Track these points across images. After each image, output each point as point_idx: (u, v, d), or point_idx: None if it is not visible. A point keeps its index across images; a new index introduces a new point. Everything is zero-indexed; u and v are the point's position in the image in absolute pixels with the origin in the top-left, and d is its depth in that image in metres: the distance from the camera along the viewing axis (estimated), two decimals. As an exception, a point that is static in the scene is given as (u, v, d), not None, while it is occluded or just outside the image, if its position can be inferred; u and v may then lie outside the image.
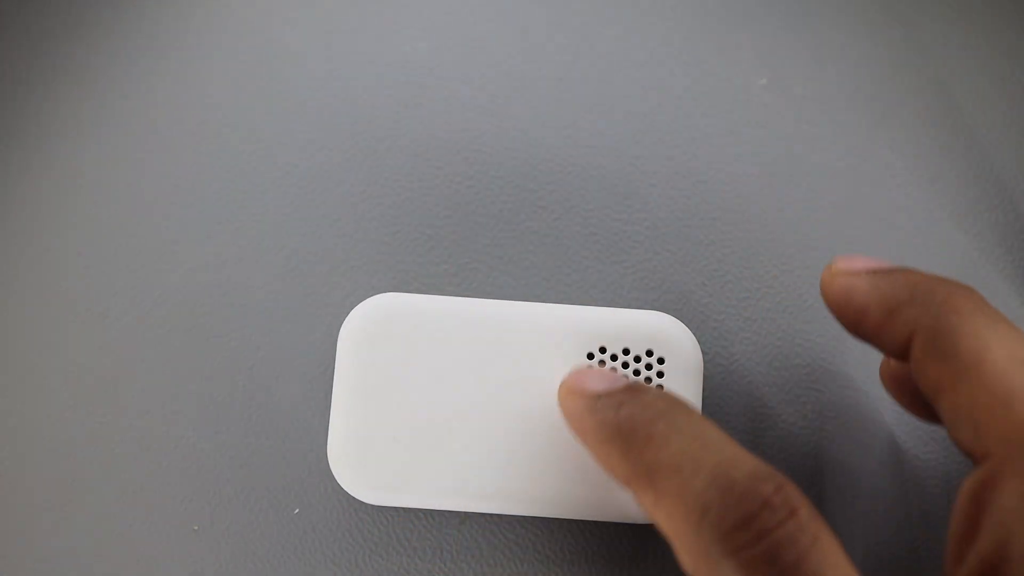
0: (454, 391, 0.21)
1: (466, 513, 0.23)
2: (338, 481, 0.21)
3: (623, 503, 0.20)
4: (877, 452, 0.23)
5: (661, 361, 0.21)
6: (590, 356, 0.21)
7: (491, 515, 0.23)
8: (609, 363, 0.21)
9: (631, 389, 0.18)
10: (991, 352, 0.15)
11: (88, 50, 0.26)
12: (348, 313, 0.22)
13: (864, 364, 0.24)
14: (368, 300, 0.22)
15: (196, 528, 0.23)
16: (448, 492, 0.21)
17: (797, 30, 0.26)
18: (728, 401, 0.24)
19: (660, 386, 0.21)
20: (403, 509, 0.23)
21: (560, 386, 0.19)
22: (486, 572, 0.23)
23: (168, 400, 0.24)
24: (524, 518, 0.23)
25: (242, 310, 0.24)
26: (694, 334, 0.23)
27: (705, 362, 0.24)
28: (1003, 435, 0.15)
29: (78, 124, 0.26)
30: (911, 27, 0.26)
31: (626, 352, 0.21)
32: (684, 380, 0.21)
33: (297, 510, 0.23)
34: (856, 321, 0.18)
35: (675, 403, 0.17)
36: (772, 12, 0.26)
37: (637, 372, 0.21)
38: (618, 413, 0.17)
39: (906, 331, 0.17)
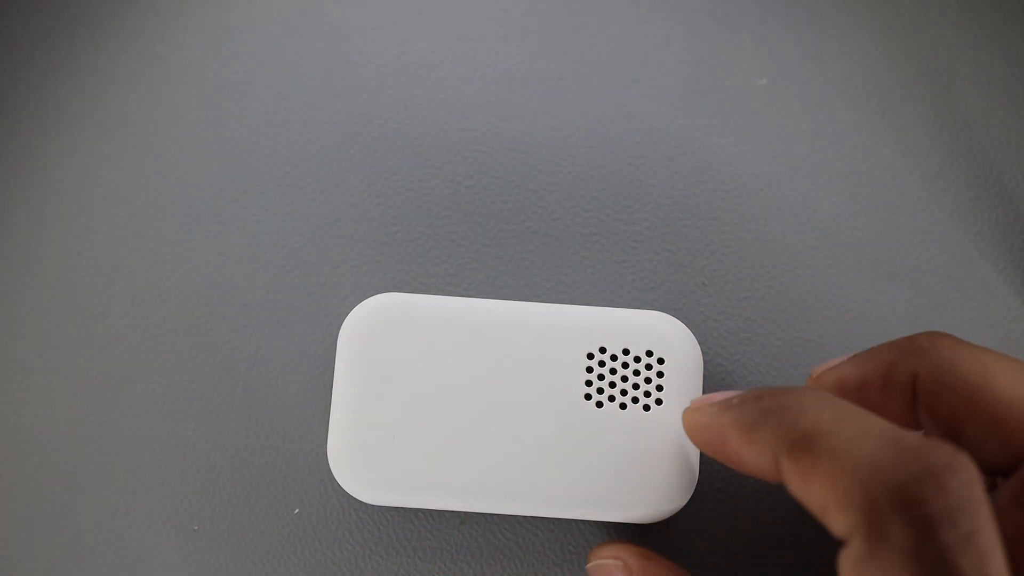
0: (454, 391, 0.21)
1: (466, 513, 0.23)
2: (338, 481, 0.21)
3: (626, 502, 0.20)
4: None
5: (661, 361, 0.21)
6: (590, 356, 0.21)
7: (491, 516, 0.23)
8: (609, 363, 0.21)
9: (763, 390, 0.17)
10: (995, 370, 0.16)
11: (88, 50, 0.26)
12: (348, 313, 0.22)
13: (864, 364, 0.24)
14: (368, 300, 0.22)
15: (196, 528, 0.23)
16: (449, 492, 0.21)
17: (797, 30, 0.26)
18: (728, 401, 0.23)
19: (660, 387, 0.21)
20: (403, 509, 0.23)
21: (683, 413, 0.19)
22: (486, 572, 0.23)
23: (168, 400, 0.24)
24: (524, 518, 0.23)
25: (242, 310, 0.24)
26: (694, 334, 0.23)
27: (705, 362, 0.24)
28: None
29: (78, 124, 0.26)
30: (911, 27, 0.26)
31: (626, 352, 0.21)
32: (684, 381, 0.21)
33: (297, 510, 0.23)
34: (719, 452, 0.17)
35: (812, 387, 0.17)
36: (772, 12, 0.26)
37: (637, 372, 0.21)
38: (759, 403, 0.16)
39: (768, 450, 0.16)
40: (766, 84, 0.26)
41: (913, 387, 0.17)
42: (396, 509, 0.23)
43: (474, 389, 0.21)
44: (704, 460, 0.22)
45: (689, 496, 0.21)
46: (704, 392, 0.22)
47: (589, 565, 0.21)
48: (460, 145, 0.25)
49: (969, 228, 0.25)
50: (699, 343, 0.24)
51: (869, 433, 0.14)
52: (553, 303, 0.23)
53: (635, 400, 0.21)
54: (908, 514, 0.13)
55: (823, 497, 0.14)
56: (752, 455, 0.16)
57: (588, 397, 0.21)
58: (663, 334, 0.21)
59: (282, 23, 0.26)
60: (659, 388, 0.21)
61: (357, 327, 0.21)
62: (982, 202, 0.25)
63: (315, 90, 0.26)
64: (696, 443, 0.18)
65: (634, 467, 0.20)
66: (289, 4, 0.26)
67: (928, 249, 0.25)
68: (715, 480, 0.23)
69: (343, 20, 0.26)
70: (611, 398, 0.21)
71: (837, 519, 0.14)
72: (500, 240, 0.25)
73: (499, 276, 0.24)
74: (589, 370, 0.21)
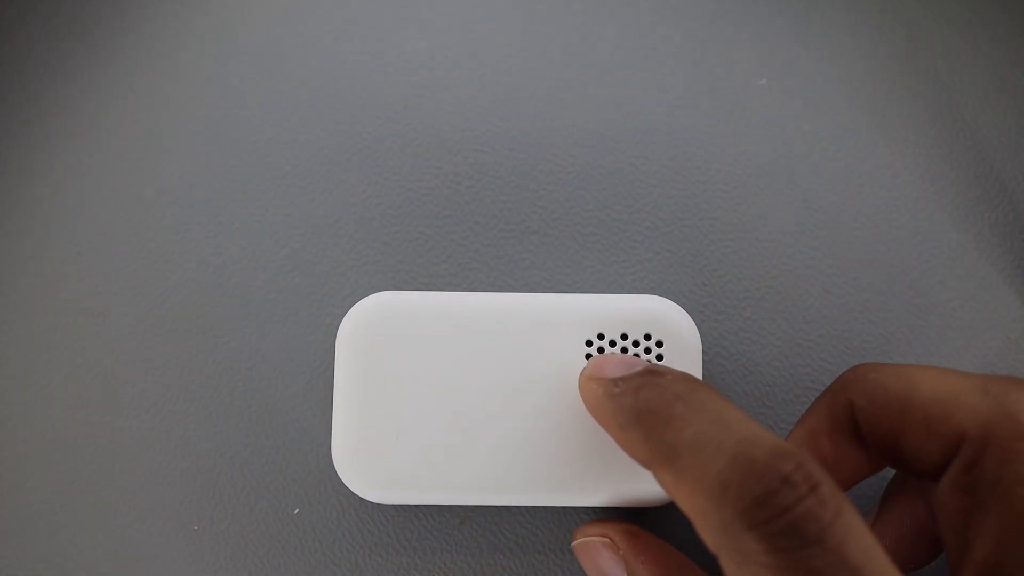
0: (454, 385, 0.21)
1: (467, 512, 0.23)
2: (344, 483, 0.21)
3: (629, 488, 0.21)
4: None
5: (660, 344, 0.21)
6: (588, 343, 0.21)
7: (491, 514, 0.23)
8: (608, 349, 0.21)
9: (649, 372, 0.18)
10: (917, 378, 0.17)
11: (88, 50, 0.26)
12: (347, 312, 0.22)
13: (864, 364, 0.24)
14: (365, 299, 0.22)
15: (196, 528, 0.23)
16: (456, 487, 0.21)
17: (797, 30, 0.26)
18: (728, 401, 0.24)
19: None
20: (403, 508, 0.23)
21: (580, 374, 0.20)
22: (486, 571, 0.23)
23: (168, 400, 0.24)
24: (524, 516, 0.23)
25: (242, 310, 0.24)
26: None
27: (705, 362, 0.24)
28: (958, 430, 0.16)
29: (78, 124, 0.26)
30: (911, 27, 0.26)
31: (624, 337, 0.21)
32: (683, 362, 0.21)
33: (297, 510, 0.23)
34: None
35: (694, 384, 0.17)
36: (772, 12, 0.26)
37: (636, 356, 0.21)
38: (637, 397, 0.17)
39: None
40: (766, 84, 0.26)
41: (854, 419, 0.18)
42: (396, 508, 0.23)
43: (474, 382, 0.21)
44: None
45: None
46: (704, 376, 0.22)
47: (575, 543, 0.21)
48: (460, 145, 0.25)
49: (969, 228, 0.25)
50: (700, 343, 0.24)
51: (722, 449, 0.15)
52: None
53: None
54: (757, 532, 0.14)
55: (688, 512, 0.15)
56: (627, 451, 0.17)
57: None
58: (660, 317, 0.21)
59: (282, 23, 0.26)
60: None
61: (355, 326, 0.21)
62: (982, 202, 0.25)
63: (315, 90, 0.26)
64: (588, 410, 0.20)
65: None
66: (289, 4, 0.26)
67: (928, 249, 0.25)
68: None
69: (343, 20, 0.26)
70: None
71: (703, 536, 0.15)
72: (500, 240, 0.25)
73: (498, 277, 0.24)
74: (589, 357, 0.21)
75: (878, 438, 0.18)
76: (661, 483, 0.16)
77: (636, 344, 0.21)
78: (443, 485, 0.21)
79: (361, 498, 0.23)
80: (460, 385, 0.21)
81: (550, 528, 0.23)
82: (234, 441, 0.24)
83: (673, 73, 0.26)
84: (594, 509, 0.23)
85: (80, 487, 0.23)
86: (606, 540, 0.20)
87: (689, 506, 0.15)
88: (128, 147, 0.25)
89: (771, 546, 0.14)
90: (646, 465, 0.17)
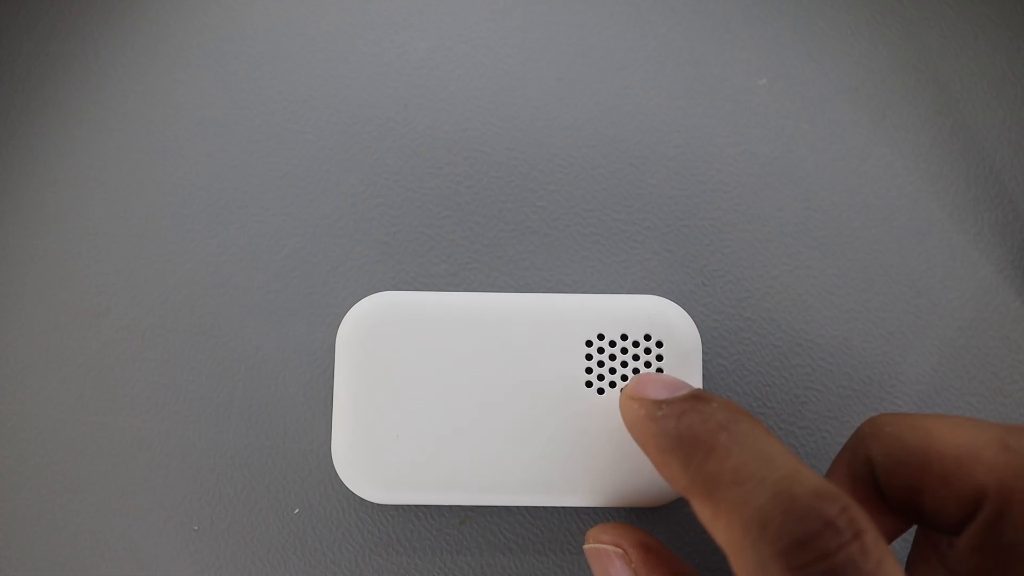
0: (454, 384, 0.21)
1: (466, 513, 0.23)
2: (344, 483, 0.21)
3: (629, 489, 0.20)
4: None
5: (660, 345, 0.21)
6: (589, 343, 0.21)
7: (490, 515, 0.23)
8: (608, 349, 0.21)
9: (693, 397, 0.18)
10: (935, 431, 0.17)
11: (89, 51, 0.26)
12: (347, 313, 0.22)
13: (865, 365, 0.24)
14: (365, 299, 0.22)
15: (196, 528, 0.23)
16: (455, 487, 0.21)
17: (797, 30, 0.26)
18: (728, 401, 0.23)
19: (660, 370, 0.21)
20: (403, 508, 0.23)
21: (622, 392, 0.19)
22: (486, 571, 0.23)
23: (168, 400, 0.24)
24: (524, 515, 0.23)
25: (242, 310, 0.24)
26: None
27: (706, 362, 0.24)
28: (979, 487, 0.16)
29: (78, 124, 0.26)
30: (911, 27, 0.26)
31: (624, 338, 0.21)
32: (683, 363, 0.21)
33: (297, 510, 0.23)
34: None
35: (738, 413, 0.17)
36: (772, 12, 0.26)
37: (636, 357, 0.21)
38: (679, 422, 0.17)
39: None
40: (766, 84, 0.26)
41: (874, 476, 0.18)
42: (396, 508, 0.23)
43: (475, 382, 0.21)
44: None
45: None
46: (704, 373, 0.22)
47: (587, 547, 0.20)
48: (460, 145, 0.25)
49: (969, 228, 0.25)
50: (700, 343, 0.24)
51: (764, 484, 0.15)
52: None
53: None
54: (796, 575, 0.13)
55: (724, 545, 0.15)
56: (664, 475, 0.17)
57: (589, 384, 0.21)
58: (660, 317, 0.21)
59: (282, 23, 0.26)
60: (659, 371, 0.21)
61: (355, 326, 0.21)
62: (982, 202, 0.25)
63: (315, 90, 0.26)
64: (627, 429, 0.19)
65: (637, 451, 0.20)
66: (289, 4, 0.26)
67: (928, 249, 0.25)
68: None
69: (343, 20, 0.26)
70: (612, 384, 0.21)
71: (737, 571, 0.15)
72: (500, 240, 0.25)
73: (498, 276, 0.24)
74: (589, 357, 0.21)
75: (898, 494, 0.17)
76: (699, 513, 0.16)
77: (636, 344, 0.21)
78: (442, 485, 0.21)
79: (361, 498, 0.23)
80: (460, 385, 0.21)
81: (550, 528, 0.23)
82: (234, 441, 0.24)
83: (673, 73, 0.26)
84: (593, 508, 0.23)
85: (80, 487, 0.23)
86: (619, 551, 0.20)
87: (726, 539, 0.15)
88: (128, 147, 0.25)
89: None
90: (684, 493, 0.16)
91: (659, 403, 0.18)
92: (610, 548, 0.20)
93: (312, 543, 0.23)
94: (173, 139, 0.25)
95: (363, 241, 0.25)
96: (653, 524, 0.23)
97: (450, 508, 0.23)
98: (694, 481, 0.16)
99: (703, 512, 0.16)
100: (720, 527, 0.15)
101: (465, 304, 0.21)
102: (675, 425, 0.17)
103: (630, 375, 0.21)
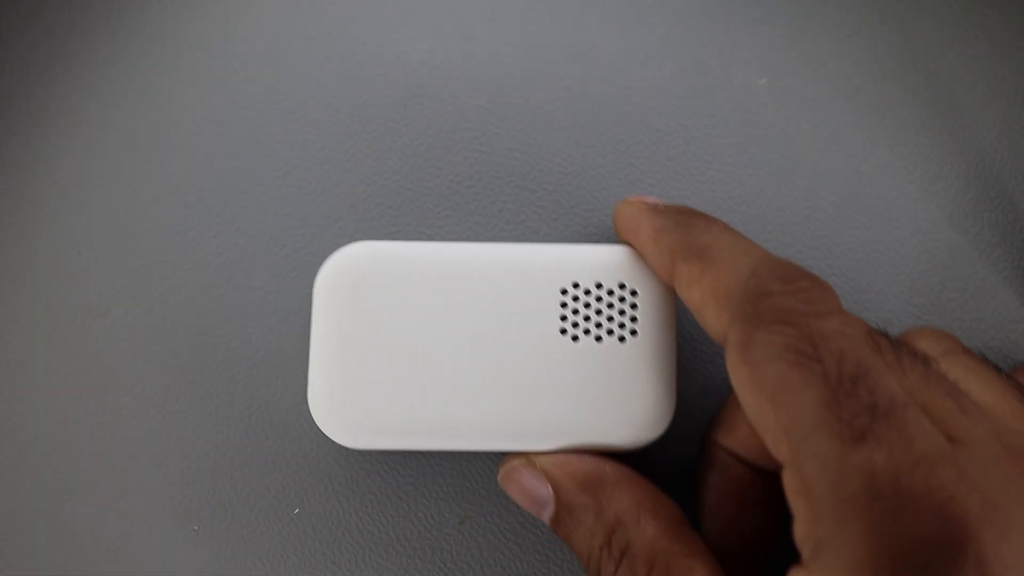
0: (430, 332, 0.21)
1: (466, 513, 0.23)
2: (321, 429, 0.21)
3: (605, 431, 0.21)
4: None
5: (634, 293, 0.21)
6: (563, 292, 0.21)
7: (491, 515, 0.23)
8: (583, 298, 0.21)
9: (688, 208, 0.21)
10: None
11: (89, 50, 0.26)
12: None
13: (864, 364, 0.24)
14: (342, 249, 0.22)
15: (196, 528, 0.23)
16: (430, 432, 0.21)
17: (797, 30, 0.26)
18: (728, 401, 0.23)
19: (634, 318, 0.21)
20: (403, 508, 0.23)
21: (617, 205, 0.22)
22: (486, 571, 0.23)
23: (168, 400, 0.24)
24: (524, 515, 0.23)
25: (242, 310, 0.24)
26: (696, 332, 0.23)
27: (706, 362, 0.24)
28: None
29: (78, 124, 0.26)
30: (911, 27, 0.26)
31: (599, 286, 0.21)
32: (657, 312, 0.21)
33: (297, 510, 0.23)
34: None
35: (718, 221, 0.20)
36: (772, 12, 0.26)
37: (611, 305, 0.21)
38: (680, 214, 0.20)
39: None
40: (766, 84, 0.26)
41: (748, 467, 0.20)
42: (396, 509, 0.23)
43: (450, 330, 0.21)
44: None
45: (667, 424, 0.21)
46: (676, 343, 0.23)
47: (499, 476, 0.21)
48: (460, 145, 0.25)
49: (969, 228, 0.25)
50: (700, 343, 0.24)
51: (752, 252, 0.18)
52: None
53: (610, 332, 0.21)
54: (777, 299, 0.16)
55: (704, 298, 0.18)
56: (654, 253, 0.20)
57: (564, 332, 0.21)
58: (635, 267, 0.21)
59: (282, 23, 0.26)
60: (633, 320, 0.21)
61: (331, 275, 0.21)
62: (982, 202, 0.25)
63: (315, 90, 0.26)
64: (616, 228, 0.22)
65: (612, 397, 0.21)
66: (289, 4, 0.26)
67: (928, 249, 0.25)
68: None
69: (343, 20, 0.26)
70: (586, 331, 0.21)
71: (715, 314, 0.17)
72: (497, 236, 0.25)
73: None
74: (564, 305, 0.21)
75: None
76: (681, 274, 0.19)
77: (611, 293, 0.21)
78: (418, 431, 0.21)
79: (361, 498, 0.23)
80: (436, 333, 0.21)
81: (549, 530, 0.23)
82: (234, 441, 0.24)
83: (673, 73, 0.26)
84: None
85: (80, 487, 0.23)
86: (523, 460, 0.20)
87: (710, 288, 0.17)
88: (128, 147, 0.25)
89: (787, 307, 0.16)
90: (671, 260, 0.19)
91: (659, 203, 0.21)
92: (515, 462, 0.21)
93: (312, 543, 0.23)
94: (173, 139, 0.25)
95: (364, 240, 0.25)
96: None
97: (450, 508, 0.23)
98: (688, 245, 0.19)
99: (689, 270, 0.18)
100: (706, 280, 0.18)
101: (440, 253, 0.22)
102: (674, 216, 0.20)
103: (604, 322, 0.21)
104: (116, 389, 0.24)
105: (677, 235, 0.19)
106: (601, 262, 0.21)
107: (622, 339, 0.21)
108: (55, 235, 0.25)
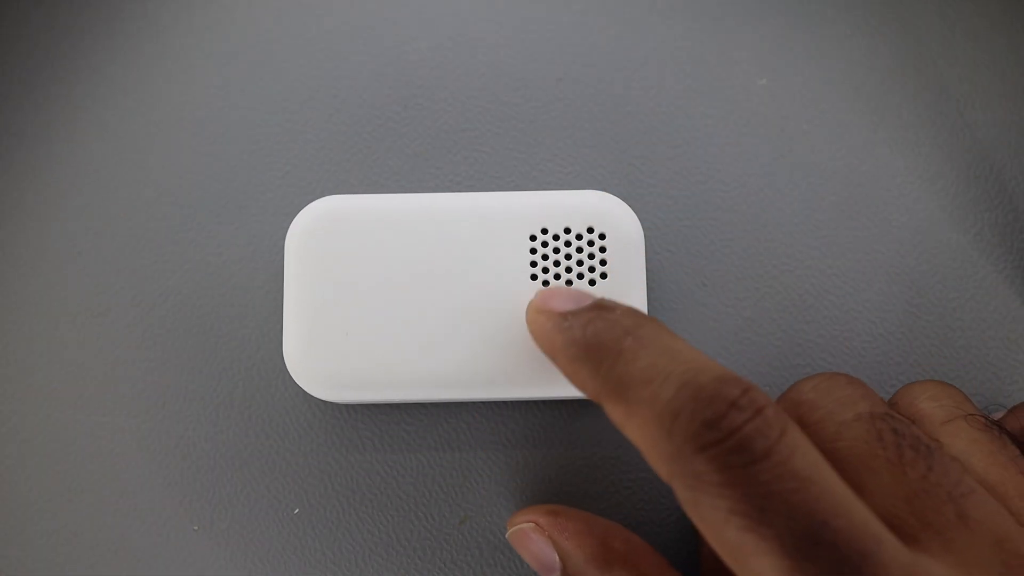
0: (402, 284, 0.21)
1: (466, 513, 0.23)
2: (297, 383, 0.21)
3: None
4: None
5: (603, 237, 0.21)
6: (532, 238, 0.21)
7: (491, 515, 0.23)
8: (552, 243, 0.21)
9: (598, 307, 0.18)
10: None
11: (88, 49, 0.26)
12: None
13: (865, 364, 0.24)
14: (312, 203, 0.22)
15: (196, 528, 0.23)
16: (406, 383, 0.21)
17: (797, 30, 0.26)
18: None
19: (603, 261, 0.21)
20: (402, 508, 0.23)
21: (528, 306, 0.20)
22: (486, 571, 0.23)
23: (168, 400, 0.24)
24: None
25: (242, 311, 0.24)
26: (696, 333, 0.23)
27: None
28: None
29: (77, 123, 0.26)
30: (911, 27, 0.26)
31: (567, 231, 0.22)
32: (626, 255, 0.21)
33: (297, 510, 0.23)
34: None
35: (642, 318, 0.17)
36: (772, 12, 0.26)
37: (580, 249, 0.21)
38: (585, 331, 0.17)
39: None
40: (766, 84, 0.26)
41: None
42: (396, 508, 0.23)
43: (422, 280, 0.21)
44: None
45: None
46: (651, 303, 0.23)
47: (508, 534, 0.21)
48: (460, 145, 0.25)
49: (969, 228, 0.25)
50: (700, 343, 0.24)
51: (672, 378, 0.15)
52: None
53: (580, 276, 0.21)
54: (708, 454, 0.14)
55: (639, 443, 0.16)
56: (575, 384, 0.18)
57: (534, 277, 0.21)
58: (603, 211, 0.22)
59: (282, 23, 0.26)
60: (603, 263, 0.21)
61: (302, 229, 0.22)
62: (982, 202, 0.25)
63: (315, 90, 0.26)
64: (535, 343, 0.19)
65: None
66: (289, 4, 0.26)
67: (928, 249, 0.25)
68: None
69: (343, 20, 0.26)
70: (557, 276, 0.21)
71: (656, 467, 0.15)
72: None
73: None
74: (533, 251, 0.21)
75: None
76: (611, 416, 0.17)
77: (579, 237, 0.21)
78: (393, 382, 0.21)
79: (361, 498, 0.23)
80: (408, 283, 0.21)
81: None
82: (234, 441, 0.24)
83: (673, 73, 0.26)
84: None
85: (80, 487, 0.23)
86: (532, 524, 0.21)
87: (640, 437, 0.16)
88: (128, 147, 0.25)
89: (721, 465, 0.14)
90: (595, 398, 0.17)
91: (565, 315, 0.18)
92: (524, 525, 0.21)
93: (312, 543, 0.23)
94: (173, 139, 0.25)
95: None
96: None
97: (450, 508, 0.23)
98: (604, 386, 0.17)
99: (615, 414, 0.16)
100: (634, 426, 0.16)
101: (409, 204, 0.22)
102: (582, 334, 0.17)
103: (574, 267, 0.21)
104: (116, 389, 0.24)
105: (590, 367, 0.17)
106: (569, 207, 0.22)
107: (592, 283, 0.21)
108: (55, 235, 0.25)
